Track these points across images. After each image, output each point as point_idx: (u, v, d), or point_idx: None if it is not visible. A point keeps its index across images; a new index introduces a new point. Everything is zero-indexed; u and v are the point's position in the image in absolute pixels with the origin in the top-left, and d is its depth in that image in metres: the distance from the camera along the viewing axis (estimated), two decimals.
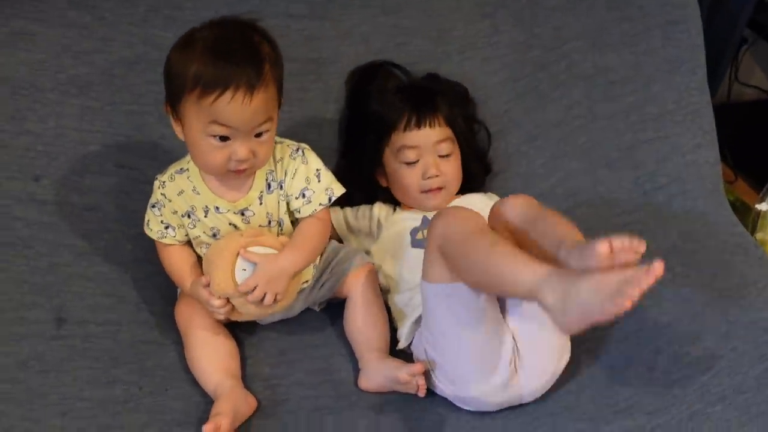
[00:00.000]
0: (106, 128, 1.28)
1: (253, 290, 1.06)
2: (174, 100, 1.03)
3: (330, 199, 1.14)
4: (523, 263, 0.93)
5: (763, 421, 1.06)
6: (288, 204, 1.15)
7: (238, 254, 1.07)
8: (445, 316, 1.05)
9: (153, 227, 1.15)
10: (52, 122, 1.25)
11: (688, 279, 1.31)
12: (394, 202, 1.35)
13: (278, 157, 1.13)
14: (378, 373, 1.13)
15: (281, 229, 1.16)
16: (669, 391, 1.12)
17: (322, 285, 1.23)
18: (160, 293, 1.22)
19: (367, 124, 1.31)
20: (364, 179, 1.31)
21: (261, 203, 1.12)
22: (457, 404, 1.11)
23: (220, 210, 1.11)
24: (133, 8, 1.31)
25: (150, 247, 1.24)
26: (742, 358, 1.16)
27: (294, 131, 1.33)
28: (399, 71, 1.39)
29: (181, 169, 1.13)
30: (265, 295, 1.07)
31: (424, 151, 1.28)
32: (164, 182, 1.13)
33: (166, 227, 1.14)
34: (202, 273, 1.12)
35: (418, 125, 1.27)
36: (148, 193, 1.21)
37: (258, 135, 1.04)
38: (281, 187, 1.13)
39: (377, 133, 1.29)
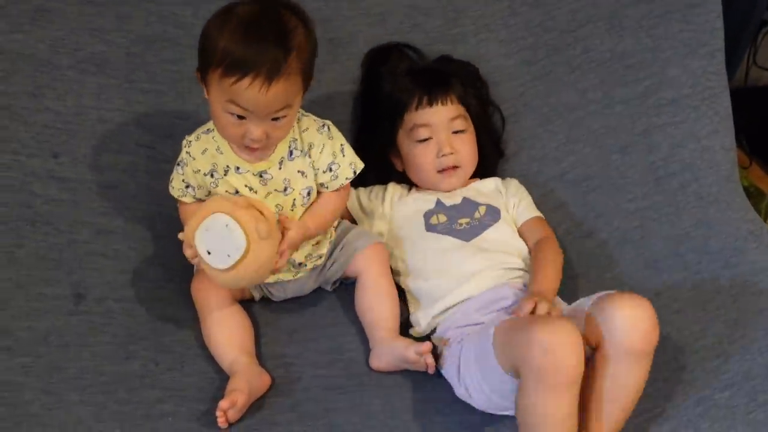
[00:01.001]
0: (124, 106, 1.29)
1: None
2: (202, 69, 1.05)
3: (354, 173, 1.18)
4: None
5: None
6: (311, 176, 1.16)
7: (211, 214, 1.06)
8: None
9: (175, 185, 1.18)
10: (70, 100, 1.26)
11: (699, 265, 1.32)
12: (409, 184, 1.35)
13: (304, 127, 1.15)
14: (387, 352, 1.14)
15: (293, 204, 1.16)
16: (677, 377, 1.14)
17: (333, 263, 1.24)
18: (178, 271, 1.24)
19: (380, 106, 1.31)
20: (378, 161, 1.31)
21: (280, 168, 1.14)
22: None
23: (240, 170, 1.13)
24: None
25: (167, 225, 1.26)
26: (751, 345, 1.17)
27: (309, 112, 1.33)
28: (413, 53, 1.38)
29: (208, 129, 1.15)
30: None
31: (438, 129, 1.28)
32: (191, 141, 1.15)
33: (187, 186, 1.17)
34: None
35: (430, 103, 1.27)
36: (166, 171, 1.23)
37: (275, 119, 1.06)
38: (308, 156, 1.15)
39: (390, 114, 1.30)
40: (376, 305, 1.20)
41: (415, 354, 1.09)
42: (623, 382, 0.99)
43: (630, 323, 0.96)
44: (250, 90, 1.00)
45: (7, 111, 1.22)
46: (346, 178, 1.17)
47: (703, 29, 1.48)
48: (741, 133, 1.55)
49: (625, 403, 1.01)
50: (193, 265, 1.22)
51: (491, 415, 1.08)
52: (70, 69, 1.27)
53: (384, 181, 1.35)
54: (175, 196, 1.18)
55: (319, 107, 1.37)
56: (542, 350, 0.91)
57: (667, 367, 1.13)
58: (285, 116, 1.06)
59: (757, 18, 1.78)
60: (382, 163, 1.33)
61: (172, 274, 1.24)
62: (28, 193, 1.20)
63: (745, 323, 1.21)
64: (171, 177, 1.18)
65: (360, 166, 1.19)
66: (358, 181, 1.27)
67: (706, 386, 1.12)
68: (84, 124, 1.26)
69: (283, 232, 1.09)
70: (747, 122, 1.62)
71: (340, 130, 1.25)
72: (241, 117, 1.04)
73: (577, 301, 1.09)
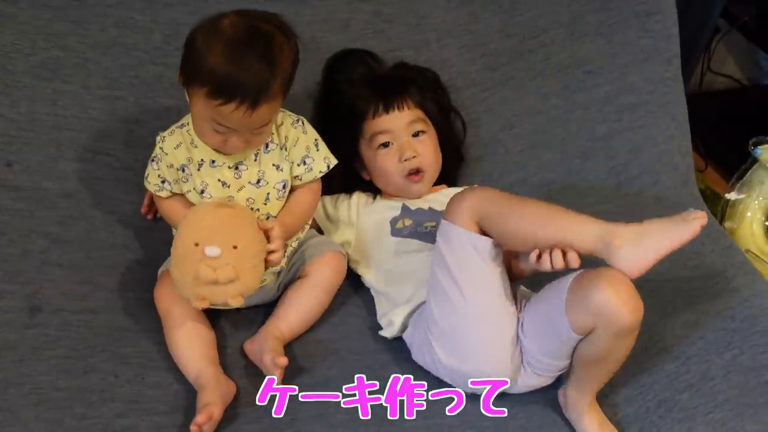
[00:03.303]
0: (80, 113, 1.26)
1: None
2: (187, 78, 1.06)
3: (328, 167, 1.20)
4: (584, 216, 1.03)
5: (729, 407, 1.10)
6: (287, 169, 1.17)
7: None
8: (472, 265, 1.05)
9: (151, 180, 1.17)
10: (24, 106, 1.23)
11: (658, 266, 1.34)
12: (374, 192, 1.35)
13: (279, 121, 1.17)
14: (260, 342, 1.13)
15: (267, 197, 1.16)
16: (638, 380, 1.15)
17: (291, 266, 1.24)
18: (136, 280, 1.22)
19: (339, 116, 1.31)
20: (343, 171, 1.30)
21: (255, 160, 1.15)
22: (450, 381, 1.12)
23: (216, 164, 1.13)
24: None
25: (125, 233, 1.23)
26: (709, 347, 1.19)
27: None
28: (372, 60, 1.38)
29: (182, 124, 1.15)
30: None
31: (397, 134, 1.28)
32: (164, 137, 1.15)
33: (163, 181, 1.16)
34: None
35: (386, 110, 1.27)
36: (123, 179, 1.20)
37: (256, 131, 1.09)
38: (284, 149, 1.16)
39: (349, 124, 1.30)
40: (293, 300, 1.19)
41: (270, 362, 1.09)
42: (613, 352, 1.04)
43: (621, 302, 0.98)
44: (235, 113, 1.03)
45: None
46: (320, 172, 1.19)
47: (660, 36, 1.52)
48: (696, 137, 1.59)
49: (612, 367, 1.06)
50: (154, 273, 1.21)
51: None
52: (24, 74, 1.24)
53: (349, 190, 1.34)
54: (152, 191, 1.18)
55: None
56: (473, 194, 1.05)
57: (628, 370, 1.14)
58: (266, 126, 1.09)
59: (712, 24, 1.82)
60: (346, 174, 1.32)
61: (131, 283, 1.22)
62: None
63: (703, 325, 1.23)
64: (146, 172, 1.17)
65: (334, 161, 1.20)
66: (324, 190, 1.26)
67: (666, 388, 1.14)
68: (38, 131, 1.23)
69: (267, 233, 1.10)
70: (702, 126, 1.66)
71: None
72: (223, 130, 1.06)
73: (545, 288, 1.10)
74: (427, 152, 1.29)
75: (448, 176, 1.38)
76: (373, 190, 1.35)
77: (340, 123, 1.30)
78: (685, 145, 1.53)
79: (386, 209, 1.30)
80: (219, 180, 1.14)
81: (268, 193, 1.16)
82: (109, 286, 1.20)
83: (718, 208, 1.67)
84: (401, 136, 1.28)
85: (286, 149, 1.16)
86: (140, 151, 1.22)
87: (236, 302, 1.08)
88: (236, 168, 1.14)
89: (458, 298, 1.05)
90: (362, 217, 1.30)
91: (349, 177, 1.34)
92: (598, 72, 1.49)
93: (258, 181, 1.15)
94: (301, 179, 1.19)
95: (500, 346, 1.07)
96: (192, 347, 1.11)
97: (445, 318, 1.07)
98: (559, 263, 1.02)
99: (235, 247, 1.05)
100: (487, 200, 1.06)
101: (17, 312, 1.13)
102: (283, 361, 1.08)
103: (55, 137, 1.24)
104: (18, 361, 1.08)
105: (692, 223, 1.00)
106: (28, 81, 1.23)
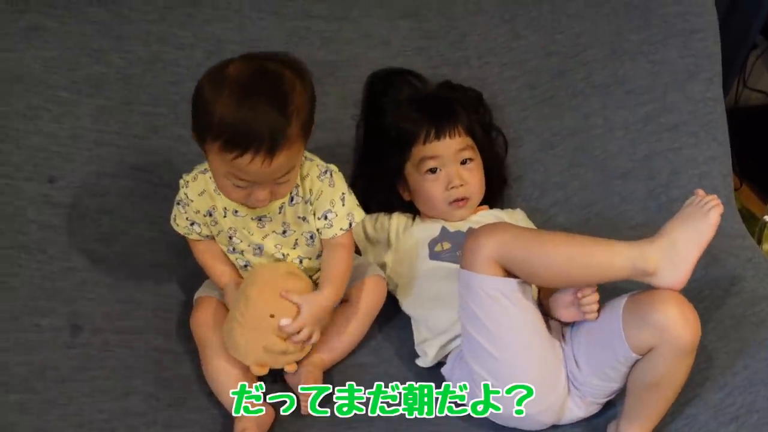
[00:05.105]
0: (122, 129, 1.25)
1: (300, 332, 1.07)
2: (199, 135, 1.01)
3: (351, 225, 1.14)
4: (610, 246, 1.00)
5: None
6: (313, 221, 1.13)
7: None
8: (503, 311, 1.03)
9: (180, 223, 1.15)
10: (67, 122, 1.22)
11: (701, 294, 1.32)
12: (413, 212, 1.33)
13: (305, 173, 1.11)
14: (300, 371, 1.12)
15: (296, 243, 1.15)
16: (682, 411, 1.13)
17: None
18: (177, 299, 1.21)
19: (386, 138, 1.29)
20: (384, 190, 1.29)
21: (280, 212, 1.12)
22: (492, 419, 1.10)
23: (238, 214, 1.11)
24: (151, 5, 1.28)
25: (166, 251, 1.22)
26: (754, 377, 1.16)
27: (312, 136, 1.31)
28: (414, 79, 1.36)
29: (205, 169, 1.12)
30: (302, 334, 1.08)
31: (446, 161, 1.26)
32: (188, 182, 1.12)
33: (192, 224, 1.14)
34: (232, 266, 1.16)
35: (438, 136, 1.25)
36: (164, 196, 1.19)
37: (279, 180, 1.03)
38: (309, 204, 1.12)
39: (397, 147, 1.27)
40: (341, 329, 1.17)
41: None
42: (671, 374, 1.02)
43: (682, 320, 0.97)
44: (252, 165, 0.96)
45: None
46: (341, 229, 1.13)
47: (702, 55, 1.49)
48: (731, 155, 1.57)
49: (668, 394, 1.04)
50: (191, 293, 1.20)
51: None
52: (65, 90, 1.23)
53: (388, 209, 1.33)
54: (182, 233, 1.15)
55: (320, 131, 1.33)
56: (491, 234, 1.02)
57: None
58: (289, 174, 1.03)
59: (751, 41, 1.80)
60: (388, 193, 1.31)
61: (171, 303, 1.22)
62: (24, 219, 1.17)
63: (747, 354, 1.21)
64: (173, 214, 1.14)
65: (359, 217, 1.14)
66: (364, 208, 1.24)
67: (711, 420, 1.12)
68: (80, 147, 1.23)
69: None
70: (737, 143, 1.63)
71: (343, 154, 1.24)
72: (244, 185, 1.01)
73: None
74: (474, 180, 1.28)
75: (492, 198, 1.36)
76: (412, 210, 1.33)
77: (387, 145, 1.29)
78: (726, 167, 1.50)
79: (425, 230, 1.28)
80: (244, 229, 1.11)
81: (296, 239, 1.14)
82: (149, 306, 1.20)
83: (755, 229, 1.64)
84: (450, 163, 1.26)
85: (310, 203, 1.11)
86: (180, 169, 1.20)
87: (291, 368, 1.10)
88: (259, 220, 1.11)
89: (497, 349, 1.03)
90: (402, 241, 1.29)
91: (389, 196, 1.32)
92: (639, 91, 1.47)
93: (284, 232, 1.13)
94: (321, 233, 1.14)
95: (549, 384, 1.05)
96: (229, 375, 1.10)
97: (487, 370, 1.05)
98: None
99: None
100: (506, 243, 1.02)
101: (59, 331, 1.12)
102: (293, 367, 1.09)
103: (97, 153, 1.24)
104: (60, 381, 1.08)
105: (710, 214, 0.99)
106: (70, 96, 1.23)
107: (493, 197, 1.38)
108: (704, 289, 1.32)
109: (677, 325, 0.96)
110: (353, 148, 1.37)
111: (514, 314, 1.03)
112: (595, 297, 1.04)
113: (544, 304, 1.12)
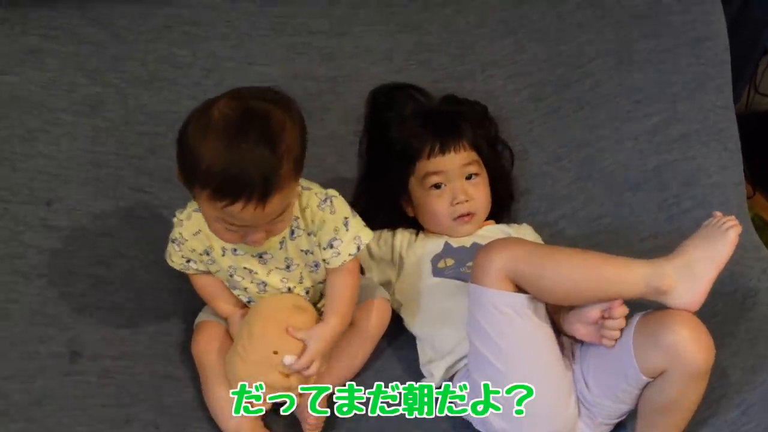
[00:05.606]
0: (120, 150, 1.24)
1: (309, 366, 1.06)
2: (186, 181, 0.96)
3: (358, 248, 1.09)
4: (623, 263, 0.98)
5: None
6: (317, 252, 1.10)
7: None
8: (513, 327, 1.00)
9: (175, 260, 1.12)
10: (64, 144, 1.21)
11: (714, 309, 1.29)
12: (417, 228, 1.31)
13: (304, 204, 1.06)
14: (304, 396, 1.09)
15: (301, 277, 1.12)
16: (698, 430, 1.10)
17: None
18: (177, 323, 1.19)
19: (389, 153, 1.27)
20: (387, 206, 1.27)
21: (281, 248, 1.08)
22: None
23: (238, 252, 1.08)
24: (148, 24, 1.27)
25: (166, 275, 1.20)
26: None
27: (313, 152, 1.27)
28: (417, 93, 1.34)
29: (198, 208, 1.07)
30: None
31: (451, 176, 1.24)
32: (182, 221, 1.08)
33: (188, 261, 1.11)
34: (236, 298, 1.14)
35: (443, 151, 1.23)
36: (163, 217, 1.17)
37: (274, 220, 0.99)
38: (311, 235, 1.08)
39: (401, 162, 1.25)
40: (345, 352, 1.15)
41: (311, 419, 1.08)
42: (684, 398, 1.00)
43: (695, 343, 0.95)
44: (244, 212, 0.92)
45: None
46: (349, 255, 1.08)
47: (711, 63, 1.47)
48: (743, 162, 1.53)
49: (681, 417, 1.02)
50: (193, 318, 1.18)
51: None
52: (63, 111, 1.21)
53: (392, 225, 1.31)
54: (178, 269, 1.12)
55: (321, 147, 1.33)
56: (501, 249, 1.00)
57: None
58: (284, 214, 0.98)
59: (762, 46, 1.76)
60: (392, 208, 1.29)
61: (172, 327, 1.20)
62: (21, 244, 1.15)
63: (764, 369, 1.18)
64: (167, 251, 1.11)
65: (367, 238, 1.10)
66: (367, 224, 1.22)
67: None
68: (78, 168, 1.21)
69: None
70: (749, 150, 1.60)
71: (346, 170, 1.21)
72: (236, 228, 0.97)
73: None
74: (480, 196, 1.26)
75: (499, 213, 1.34)
76: (415, 225, 1.31)
77: (391, 160, 1.27)
78: (738, 176, 1.47)
79: (428, 246, 1.26)
80: (245, 267, 1.08)
81: (301, 273, 1.11)
82: (149, 330, 1.18)
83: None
84: (454, 178, 1.24)
85: (314, 234, 1.07)
86: (179, 190, 1.18)
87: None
88: (260, 257, 1.08)
89: (506, 366, 1.01)
90: (406, 258, 1.27)
91: (393, 211, 1.30)
92: (647, 101, 1.44)
93: (288, 267, 1.10)
94: (329, 263, 1.09)
95: (559, 403, 1.02)
96: (230, 402, 1.06)
97: (495, 386, 1.02)
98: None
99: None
100: (518, 258, 1.00)
101: (58, 357, 1.10)
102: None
103: (95, 175, 1.22)
104: (59, 409, 1.06)
105: (728, 234, 0.98)
106: (67, 118, 1.21)
107: (500, 212, 1.35)
108: (718, 303, 1.29)
109: (689, 348, 0.93)
110: (355, 164, 1.35)
111: (524, 330, 1.01)
112: (622, 323, 1.00)
113: (555, 319, 1.09)
